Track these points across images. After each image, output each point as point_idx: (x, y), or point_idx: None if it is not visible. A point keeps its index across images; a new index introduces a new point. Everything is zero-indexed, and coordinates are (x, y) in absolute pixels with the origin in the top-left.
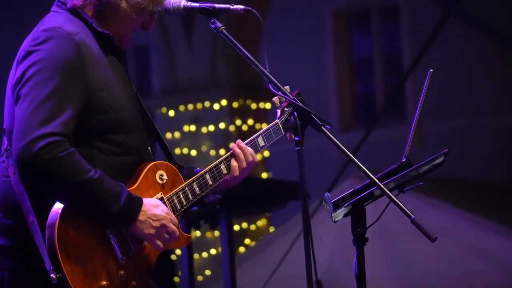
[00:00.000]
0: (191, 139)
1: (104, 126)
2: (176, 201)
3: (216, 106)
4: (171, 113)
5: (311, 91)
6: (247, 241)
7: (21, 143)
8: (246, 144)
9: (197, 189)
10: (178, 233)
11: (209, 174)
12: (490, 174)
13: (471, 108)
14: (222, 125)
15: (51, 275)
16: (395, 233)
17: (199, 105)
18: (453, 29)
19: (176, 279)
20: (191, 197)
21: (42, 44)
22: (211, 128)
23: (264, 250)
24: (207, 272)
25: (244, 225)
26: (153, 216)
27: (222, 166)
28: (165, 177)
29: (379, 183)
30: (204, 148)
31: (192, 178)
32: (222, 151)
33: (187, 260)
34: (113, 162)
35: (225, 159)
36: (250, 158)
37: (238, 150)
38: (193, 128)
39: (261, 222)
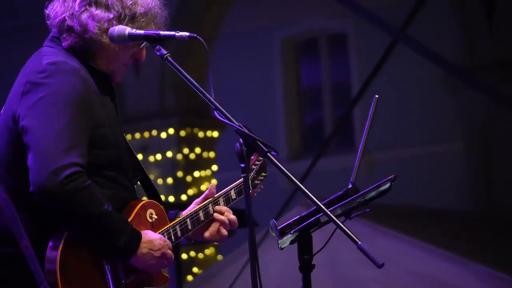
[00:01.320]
0: None
1: (101, 162)
2: None
3: (163, 135)
4: None
5: (259, 119)
6: (195, 269)
7: (45, 171)
8: (221, 195)
9: (179, 232)
10: (173, 256)
11: (189, 219)
12: (438, 201)
13: (419, 135)
14: (169, 154)
15: None
16: (343, 260)
17: (146, 134)
18: (400, 56)
19: None
20: (173, 239)
21: (50, 77)
22: (159, 157)
23: (212, 279)
24: None
25: (192, 253)
26: (153, 247)
27: (201, 213)
28: (154, 216)
29: (326, 209)
30: (151, 177)
31: (176, 221)
32: (169, 180)
33: None
34: (106, 195)
35: (203, 207)
36: (235, 226)
37: (222, 218)
38: (140, 157)
39: (209, 251)
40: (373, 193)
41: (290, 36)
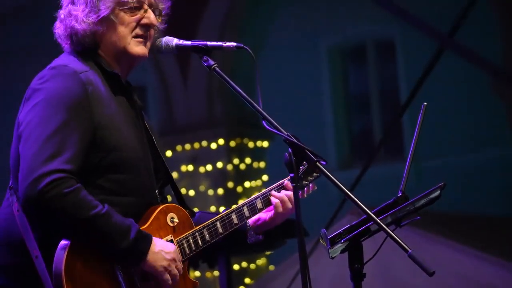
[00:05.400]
0: (189, 179)
1: (106, 165)
2: (185, 245)
3: (213, 145)
4: (168, 153)
5: (308, 128)
6: (247, 280)
7: (26, 181)
8: (245, 204)
9: (207, 236)
10: (182, 270)
11: (220, 222)
12: (488, 207)
13: (469, 142)
14: (219, 165)
15: None
16: (394, 269)
17: (196, 145)
18: (448, 62)
19: None
20: (200, 243)
21: (47, 82)
22: (209, 167)
23: None
24: None
25: (244, 264)
26: (165, 248)
27: (234, 216)
28: (176, 220)
29: (375, 218)
30: (202, 188)
31: (203, 224)
32: (220, 191)
33: None
34: (112, 201)
35: (236, 209)
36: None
37: (279, 196)
38: (190, 168)
39: (260, 261)
40: (423, 201)
41: (337, 44)
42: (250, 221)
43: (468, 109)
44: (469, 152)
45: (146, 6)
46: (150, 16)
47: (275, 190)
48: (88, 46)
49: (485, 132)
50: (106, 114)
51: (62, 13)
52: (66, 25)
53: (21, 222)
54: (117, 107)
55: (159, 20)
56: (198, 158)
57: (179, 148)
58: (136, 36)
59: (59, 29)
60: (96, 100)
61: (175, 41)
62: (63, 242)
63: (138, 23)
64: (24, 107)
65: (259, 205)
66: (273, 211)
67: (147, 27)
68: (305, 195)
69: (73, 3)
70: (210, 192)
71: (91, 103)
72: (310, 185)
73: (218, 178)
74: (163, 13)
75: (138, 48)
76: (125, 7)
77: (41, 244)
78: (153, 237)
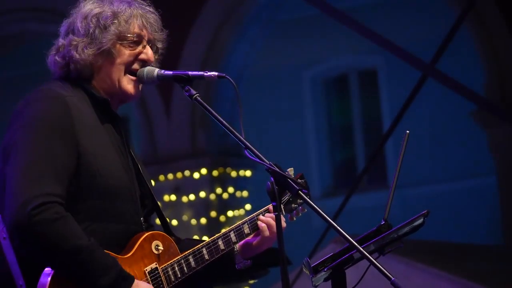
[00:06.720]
0: (172, 209)
1: (90, 191)
2: (170, 272)
3: (196, 175)
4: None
5: (291, 157)
6: None
7: (14, 205)
8: (232, 229)
9: (193, 262)
10: None
11: (206, 249)
12: (471, 236)
13: (452, 170)
14: (202, 194)
15: None
16: None
17: (179, 175)
18: (430, 90)
19: None
20: (186, 270)
21: (32, 105)
22: (192, 197)
23: None
24: None
25: None
26: None
27: (220, 242)
28: (161, 247)
29: (358, 246)
30: (185, 218)
31: (189, 251)
32: (203, 220)
33: None
34: (96, 229)
35: (223, 235)
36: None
37: (265, 220)
38: (173, 197)
39: None
40: (406, 229)
41: (319, 74)
42: (238, 245)
43: (450, 137)
44: (452, 180)
45: (145, 42)
46: (148, 52)
47: (262, 215)
48: (83, 76)
49: (468, 160)
50: (91, 140)
51: (61, 41)
52: (64, 53)
53: (7, 250)
54: (103, 133)
55: (156, 57)
56: (181, 188)
57: (161, 178)
58: (131, 72)
59: (56, 56)
60: (81, 125)
61: (156, 71)
62: (47, 269)
63: (136, 58)
64: (9, 130)
65: (246, 230)
66: (260, 236)
67: (144, 62)
68: (294, 218)
69: (73, 32)
70: (193, 221)
71: (75, 128)
72: (300, 207)
73: (201, 207)
74: (159, 51)
75: (129, 86)
76: (125, 41)
77: (26, 272)
78: (135, 280)
